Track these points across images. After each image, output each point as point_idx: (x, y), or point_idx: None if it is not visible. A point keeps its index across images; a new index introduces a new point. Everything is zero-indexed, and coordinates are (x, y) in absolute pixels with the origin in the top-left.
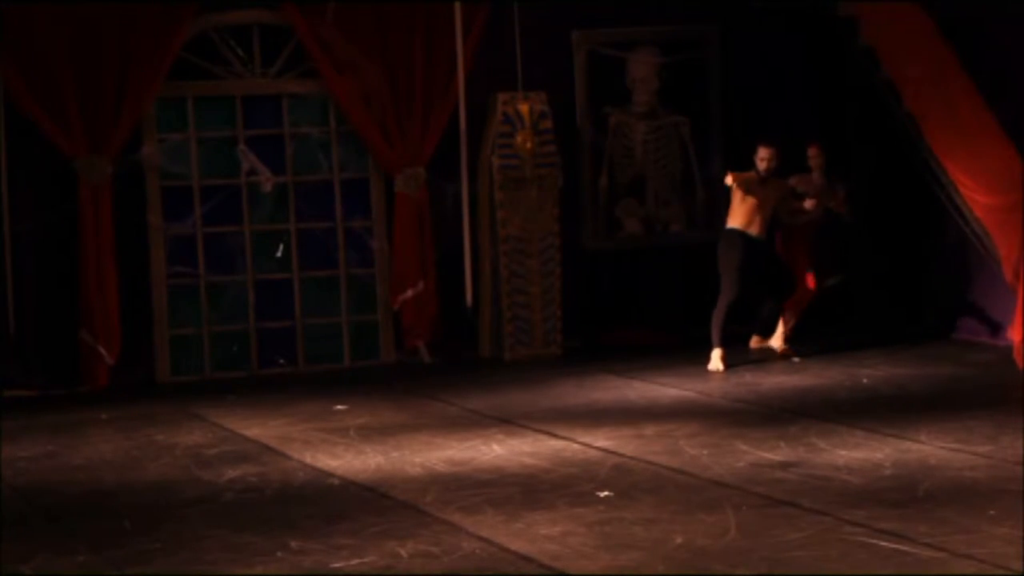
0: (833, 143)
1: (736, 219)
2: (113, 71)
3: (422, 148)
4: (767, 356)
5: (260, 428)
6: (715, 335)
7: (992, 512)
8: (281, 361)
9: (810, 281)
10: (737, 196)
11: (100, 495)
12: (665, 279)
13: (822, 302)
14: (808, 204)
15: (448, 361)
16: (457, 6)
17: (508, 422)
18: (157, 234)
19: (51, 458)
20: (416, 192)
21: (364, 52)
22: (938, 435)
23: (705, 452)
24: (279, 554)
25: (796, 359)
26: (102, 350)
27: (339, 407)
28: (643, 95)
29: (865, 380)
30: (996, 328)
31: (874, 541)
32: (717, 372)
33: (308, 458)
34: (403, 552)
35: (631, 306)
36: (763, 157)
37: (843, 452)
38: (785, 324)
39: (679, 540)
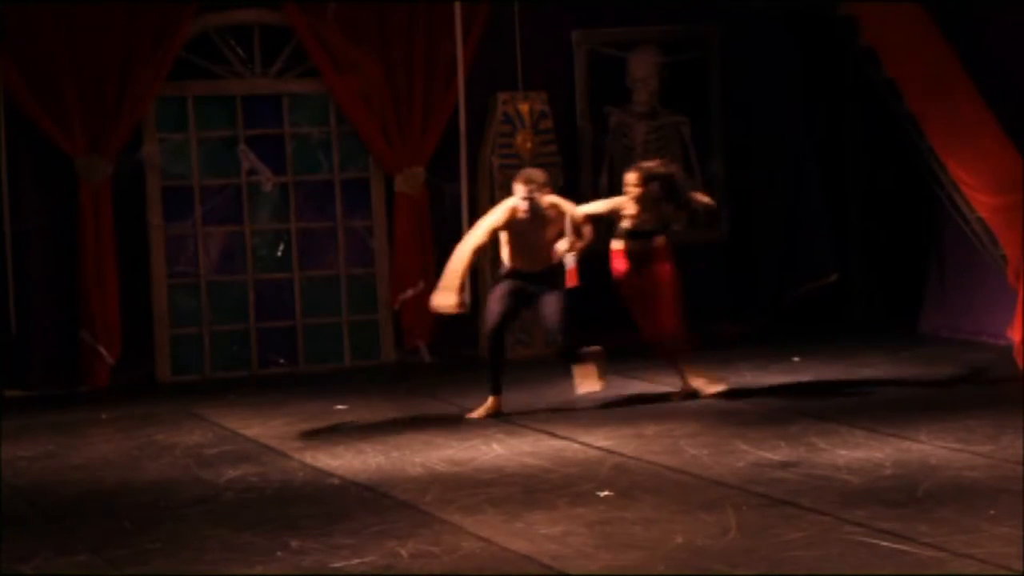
0: (832, 144)
1: (507, 256)
2: (113, 71)
3: (422, 148)
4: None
5: (260, 428)
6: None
7: (992, 512)
8: (281, 361)
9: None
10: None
11: (100, 495)
12: None
13: (821, 301)
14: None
15: (448, 361)
16: (457, 6)
17: (508, 422)
18: (157, 234)
19: (51, 458)
20: (416, 192)
21: (364, 52)
22: (938, 435)
23: (705, 452)
24: (279, 554)
25: (721, 388)
26: (102, 350)
27: (339, 407)
28: (643, 95)
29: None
30: (996, 328)
31: (874, 541)
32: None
33: (308, 458)
34: (403, 552)
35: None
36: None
37: (843, 452)
38: (677, 370)
39: (679, 540)
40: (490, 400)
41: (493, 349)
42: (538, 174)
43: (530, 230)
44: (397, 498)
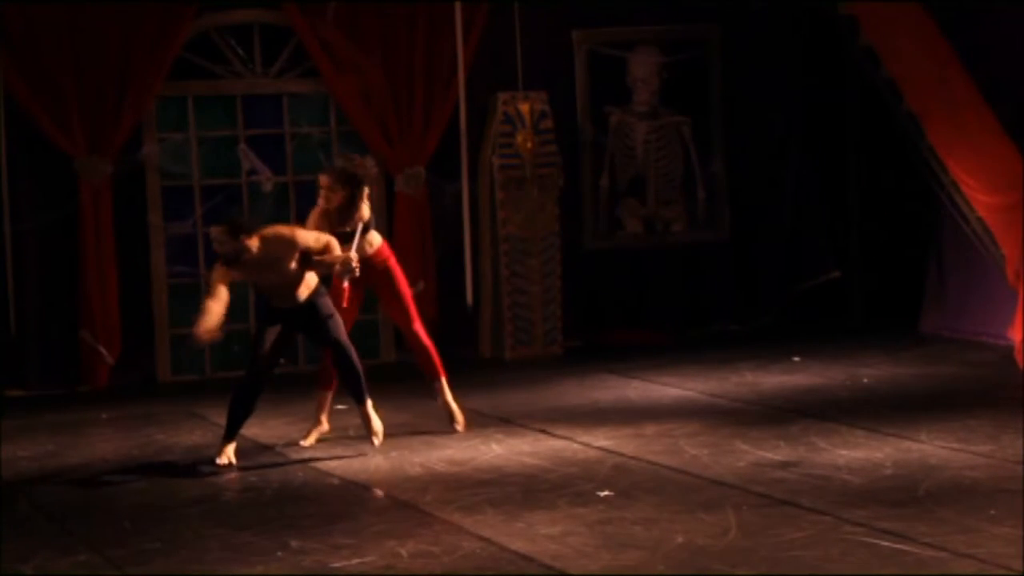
0: (832, 144)
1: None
2: (113, 71)
3: (422, 148)
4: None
5: (260, 428)
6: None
7: (992, 512)
8: (281, 361)
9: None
10: None
11: (100, 495)
12: (665, 279)
13: (821, 301)
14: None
15: (448, 361)
16: (457, 6)
17: (508, 422)
18: (157, 234)
19: (51, 458)
20: (416, 192)
21: (364, 52)
22: (938, 435)
23: (705, 452)
24: (279, 554)
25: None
26: (102, 350)
27: (339, 407)
28: (644, 95)
29: (865, 380)
30: (996, 328)
31: (874, 541)
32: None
33: (308, 458)
34: (403, 552)
35: (631, 306)
36: (216, 239)
37: (843, 452)
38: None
39: (679, 540)
40: (228, 447)
41: (248, 388)
42: (219, 230)
43: (258, 274)
44: (397, 498)
